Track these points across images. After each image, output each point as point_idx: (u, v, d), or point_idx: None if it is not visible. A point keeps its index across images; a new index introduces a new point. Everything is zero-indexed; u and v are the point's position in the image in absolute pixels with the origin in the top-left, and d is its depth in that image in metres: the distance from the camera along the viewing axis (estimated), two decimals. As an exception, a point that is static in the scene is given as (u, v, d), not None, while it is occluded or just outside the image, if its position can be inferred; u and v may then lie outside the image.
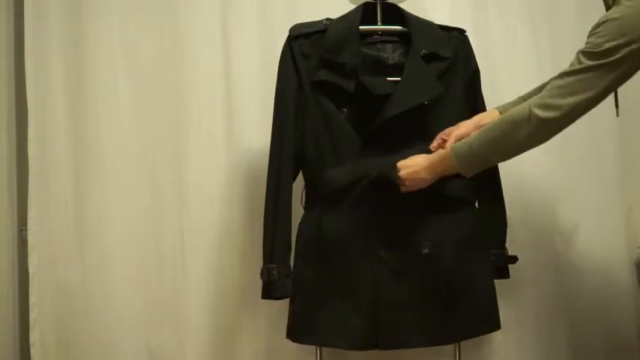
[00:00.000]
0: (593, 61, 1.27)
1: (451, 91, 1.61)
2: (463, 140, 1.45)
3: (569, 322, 1.94)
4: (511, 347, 1.90)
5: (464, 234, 1.59)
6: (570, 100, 1.30)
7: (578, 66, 1.29)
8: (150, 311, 1.86)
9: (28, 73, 1.83)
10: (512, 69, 1.94)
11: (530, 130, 1.34)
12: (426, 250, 1.52)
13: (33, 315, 1.82)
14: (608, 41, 1.25)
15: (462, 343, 1.73)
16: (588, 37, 1.30)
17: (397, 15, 1.64)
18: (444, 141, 1.53)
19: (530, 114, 1.32)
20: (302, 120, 1.59)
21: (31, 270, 1.82)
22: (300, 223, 1.61)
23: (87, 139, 1.85)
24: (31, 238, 1.83)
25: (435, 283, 1.55)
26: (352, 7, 1.64)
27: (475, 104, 1.67)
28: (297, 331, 1.59)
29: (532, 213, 1.89)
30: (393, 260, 1.53)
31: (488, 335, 1.76)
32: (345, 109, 1.56)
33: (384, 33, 1.62)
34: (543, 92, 1.33)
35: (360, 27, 1.59)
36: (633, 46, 1.24)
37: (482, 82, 1.70)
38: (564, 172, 1.86)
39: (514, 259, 1.70)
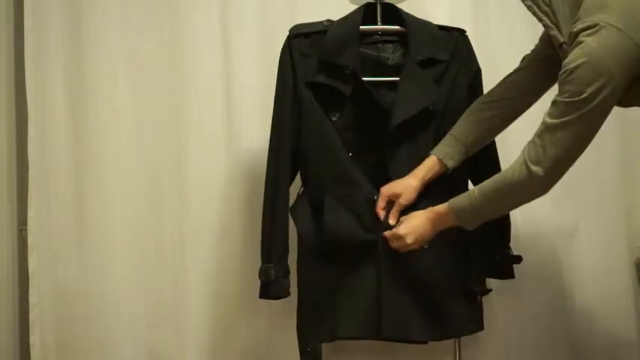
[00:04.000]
0: (579, 110, 1.25)
1: (454, 93, 1.61)
2: (461, 195, 1.45)
3: (569, 321, 1.94)
4: (511, 346, 1.90)
5: (463, 233, 1.59)
6: (565, 153, 1.30)
7: (566, 118, 1.27)
8: (150, 311, 1.86)
9: (28, 73, 1.83)
10: (513, 69, 1.94)
11: (532, 185, 1.34)
12: (426, 246, 1.52)
13: (33, 315, 1.82)
14: (587, 87, 1.23)
15: (461, 340, 1.74)
16: (561, 84, 1.28)
17: (397, 16, 1.64)
18: (391, 202, 1.53)
19: (530, 171, 1.32)
20: (298, 120, 1.59)
21: (31, 270, 1.82)
22: (299, 222, 1.61)
23: (87, 139, 1.85)
24: (31, 238, 1.83)
25: (432, 280, 1.56)
26: (352, 7, 1.64)
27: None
28: (310, 333, 1.58)
29: (532, 213, 1.88)
30: (394, 256, 1.53)
31: (487, 334, 1.76)
32: (337, 113, 1.56)
33: (385, 33, 1.62)
34: (536, 147, 1.31)
35: (360, 27, 1.59)
36: (610, 86, 1.23)
37: (483, 82, 1.70)
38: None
39: (519, 259, 1.70)
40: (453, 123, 1.59)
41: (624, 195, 2.00)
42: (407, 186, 1.53)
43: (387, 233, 1.51)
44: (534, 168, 1.31)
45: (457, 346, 1.75)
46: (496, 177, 1.41)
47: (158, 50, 1.88)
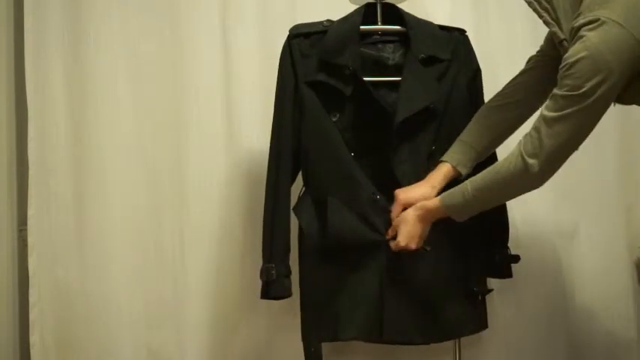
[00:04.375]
0: (578, 104, 1.26)
1: (454, 92, 1.61)
2: (454, 190, 1.45)
3: (569, 321, 1.94)
4: (511, 346, 1.90)
5: (463, 233, 1.60)
6: (562, 146, 1.31)
7: (564, 111, 1.27)
8: (150, 311, 1.86)
9: (28, 73, 1.83)
10: (513, 69, 1.93)
11: (527, 178, 1.35)
12: (428, 248, 1.52)
13: (33, 315, 1.82)
14: (586, 81, 1.23)
15: (461, 340, 1.74)
16: (561, 78, 1.28)
17: (397, 16, 1.64)
18: (405, 209, 1.52)
19: (526, 164, 1.32)
20: (299, 120, 1.59)
21: (31, 270, 1.82)
22: (304, 221, 1.60)
23: (87, 139, 1.85)
24: (31, 238, 1.83)
25: (433, 281, 1.56)
26: (352, 7, 1.64)
27: (477, 103, 1.67)
28: (312, 333, 1.58)
29: (532, 213, 1.89)
30: (396, 257, 1.53)
31: (488, 334, 1.76)
32: (337, 114, 1.56)
33: (385, 33, 1.62)
34: (533, 140, 1.32)
35: (361, 27, 1.59)
36: (609, 82, 1.24)
37: (483, 82, 1.70)
38: (564, 171, 1.85)
39: (517, 259, 1.71)
40: (453, 123, 1.59)
41: (624, 195, 2.00)
42: (424, 196, 1.51)
43: (391, 245, 1.51)
44: (530, 161, 1.31)
45: (457, 346, 1.75)
46: (490, 169, 1.40)
47: (158, 50, 1.88)
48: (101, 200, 1.84)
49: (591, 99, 1.25)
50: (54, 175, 1.84)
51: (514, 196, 1.46)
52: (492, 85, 1.67)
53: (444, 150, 1.57)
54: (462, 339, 1.74)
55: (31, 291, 1.82)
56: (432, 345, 1.64)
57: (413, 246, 1.48)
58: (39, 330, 1.82)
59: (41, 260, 1.83)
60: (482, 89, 1.70)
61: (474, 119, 1.58)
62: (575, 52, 1.25)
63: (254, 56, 1.88)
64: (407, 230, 1.48)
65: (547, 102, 1.32)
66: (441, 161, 1.55)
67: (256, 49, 1.89)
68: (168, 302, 1.86)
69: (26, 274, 1.83)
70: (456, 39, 1.65)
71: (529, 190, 1.41)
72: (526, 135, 1.35)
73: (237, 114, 1.88)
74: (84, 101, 1.86)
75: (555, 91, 1.30)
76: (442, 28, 1.65)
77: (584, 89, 1.24)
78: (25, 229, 1.85)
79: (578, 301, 1.95)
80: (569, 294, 1.94)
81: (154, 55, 1.88)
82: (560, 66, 1.29)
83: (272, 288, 1.57)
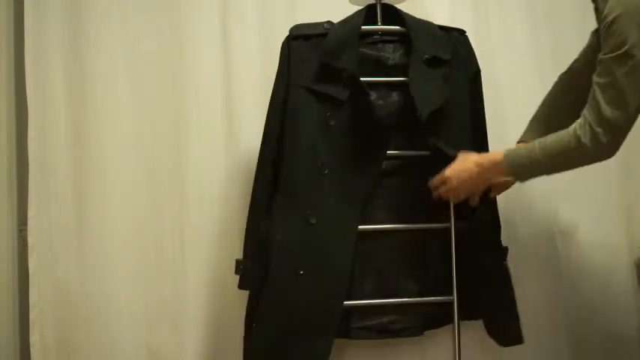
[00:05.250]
0: (623, 66, 1.23)
1: (455, 93, 1.61)
2: (519, 148, 1.42)
3: (569, 321, 1.94)
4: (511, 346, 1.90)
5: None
6: (621, 111, 1.28)
7: (611, 77, 1.25)
8: (150, 311, 1.85)
9: (28, 73, 1.83)
10: (513, 69, 1.94)
11: (596, 148, 1.32)
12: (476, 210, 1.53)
13: (33, 315, 1.82)
14: (628, 37, 1.21)
15: (461, 339, 1.74)
16: (603, 40, 1.26)
17: (397, 16, 1.64)
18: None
19: (593, 133, 1.30)
20: (290, 121, 1.58)
21: (31, 270, 1.82)
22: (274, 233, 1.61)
23: (87, 139, 1.85)
24: (31, 238, 1.83)
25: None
26: (352, 7, 1.65)
27: (476, 104, 1.67)
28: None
29: (532, 213, 1.89)
30: None
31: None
32: (333, 118, 1.56)
33: (385, 33, 1.62)
34: (594, 108, 1.29)
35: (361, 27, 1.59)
36: None
37: (483, 82, 1.70)
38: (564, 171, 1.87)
39: (505, 250, 1.72)
40: (453, 123, 1.59)
41: (624, 195, 2.00)
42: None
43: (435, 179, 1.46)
44: (597, 129, 1.29)
45: (457, 345, 1.75)
46: (558, 134, 1.37)
47: (158, 50, 1.88)
48: (101, 200, 1.84)
49: (636, 58, 1.22)
50: (54, 175, 1.84)
51: (578, 165, 1.42)
52: (492, 85, 1.67)
53: None
54: (462, 339, 1.74)
55: (31, 291, 1.82)
56: (432, 345, 1.65)
57: (454, 183, 1.43)
58: (39, 330, 1.82)
59: (41, 260, 1.82)
60: (482, 90, 1.70)
61: (545, 100, 1.57)
62: (610, 10, 1.23)
63: (254, 56, 1.88)
64: (458, 166, 1.44)
65: (597, 69, 1.29)
66: (520, 141, 1.53)
67: (256, 49, 1.89)
68: (168, 302, 1.85)
69: (26, 274, 1.83)
70: (455, 39, 1.65)
71: (598, 160, 1.38)
72: (587, 106, 1.32)
73: (237, 114, 1.88)
74: (84, 101, 1.86)
75: (600, 55, 1.27)
76: (441, 28, 1.66)
77: (626, 47, 1.22)
78: (25, 229, 1.85)
79: (579, 301, 1.95)
80: (570, 294, 1.94)
81: (154, 55, 1.88)
82: (601, 27, 1.27)
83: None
